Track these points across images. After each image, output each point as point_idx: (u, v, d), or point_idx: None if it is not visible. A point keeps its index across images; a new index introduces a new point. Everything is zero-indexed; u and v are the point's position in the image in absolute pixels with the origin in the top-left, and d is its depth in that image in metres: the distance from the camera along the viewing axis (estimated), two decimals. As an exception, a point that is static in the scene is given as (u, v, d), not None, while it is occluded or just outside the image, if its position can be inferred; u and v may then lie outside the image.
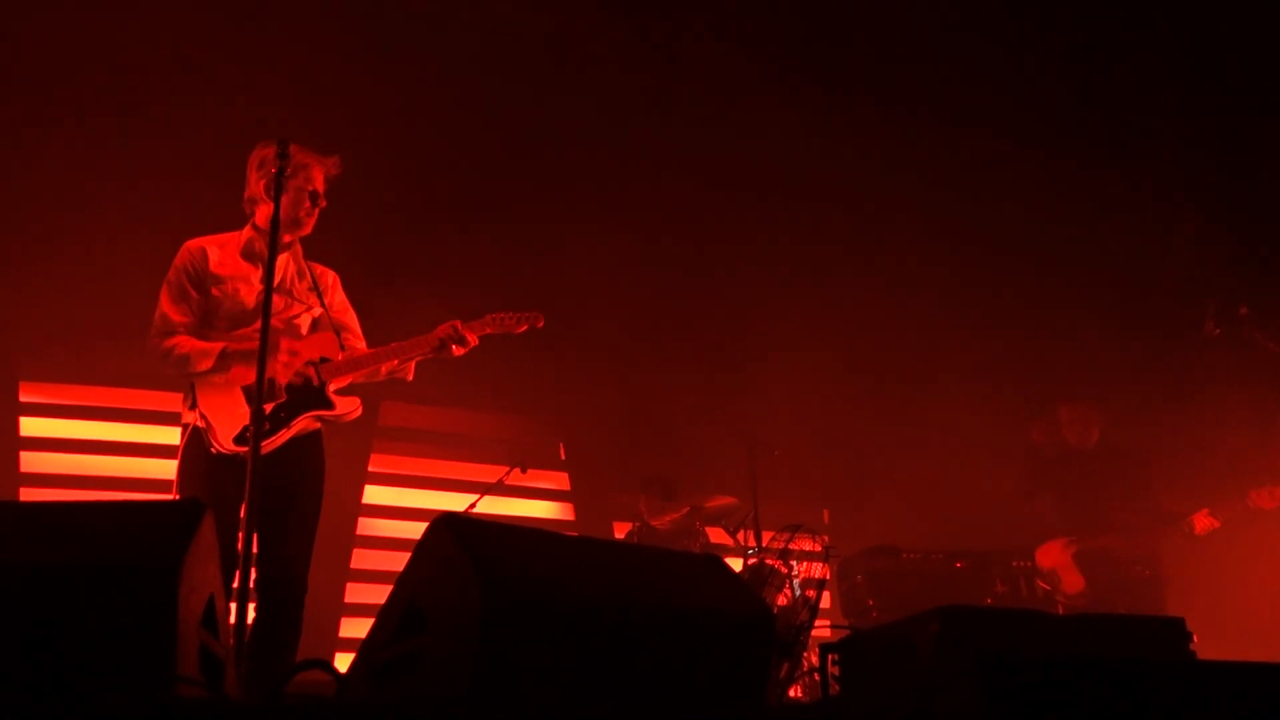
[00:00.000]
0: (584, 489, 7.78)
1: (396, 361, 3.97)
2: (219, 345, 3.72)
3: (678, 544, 6.29)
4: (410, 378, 4.10)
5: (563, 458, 7.86)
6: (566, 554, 2.51)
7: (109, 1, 5.76)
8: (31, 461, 6.33)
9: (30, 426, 6.41)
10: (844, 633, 2.87)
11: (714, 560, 2.79)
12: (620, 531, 7.26)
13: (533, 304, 4.22)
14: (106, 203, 5.93)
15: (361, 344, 4.07)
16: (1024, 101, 7.12)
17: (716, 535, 6.69)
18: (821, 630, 5.00)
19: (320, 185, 3.88)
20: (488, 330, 4.01)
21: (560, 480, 7.81)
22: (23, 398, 6.44)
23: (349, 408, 3.85)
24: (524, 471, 6.51)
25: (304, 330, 3.93)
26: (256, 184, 3.86)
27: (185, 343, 3.75)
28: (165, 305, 3.81)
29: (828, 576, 4.95)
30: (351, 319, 4.12)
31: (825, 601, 4.95)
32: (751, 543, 6.00)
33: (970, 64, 6.94)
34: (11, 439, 6.34)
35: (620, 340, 7.58)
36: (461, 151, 6.82)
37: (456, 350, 3.93)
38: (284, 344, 3.76)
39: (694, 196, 7.35)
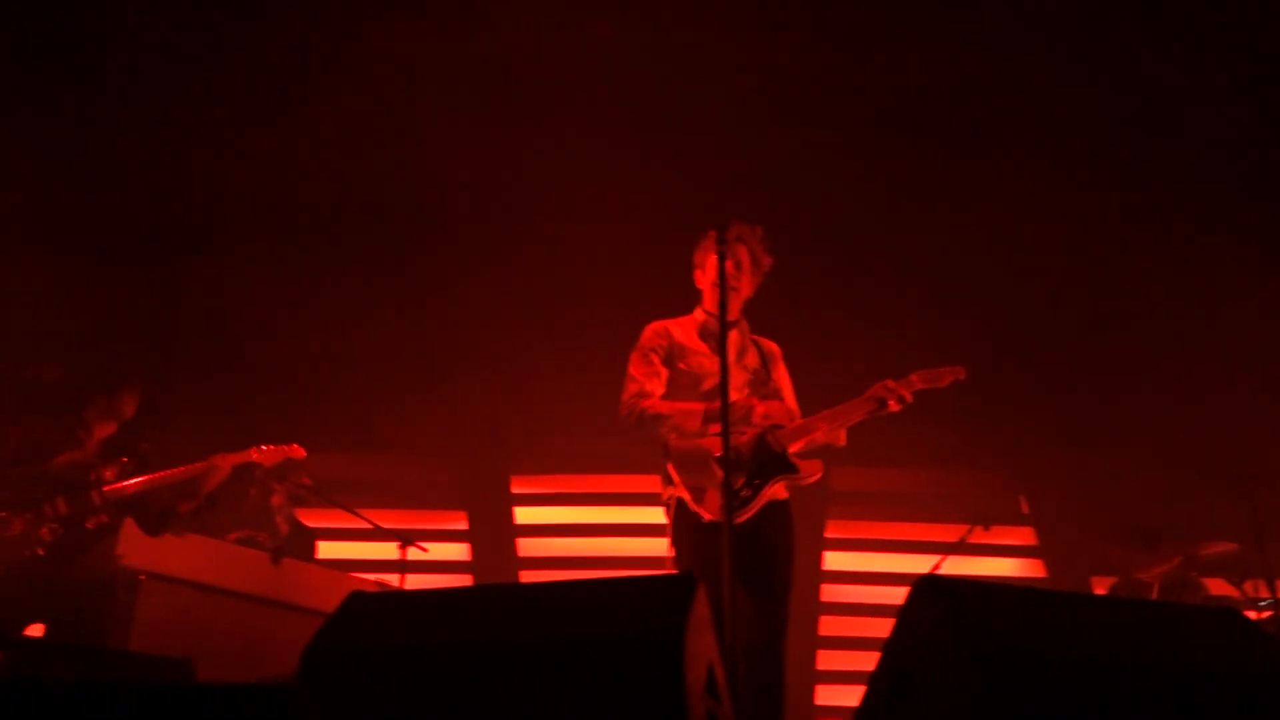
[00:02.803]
0: (1053, 543, 7.30)
1: (838, 425, 4.05)
2: (700, 406, 3.93)
3: (1172, 599, 5.70)
4: (843, 442, 4.14)
5: (1025, 511, 7.45)
6: (1060, 612, 2.35)
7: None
8: (527, 547, 7.08)
9: (523, 515, 7.17)
10: None
11: (1232, 614, 2.49)
12: (1100, 588, 6.74)
13: (981, 352, 4.12)
14: (575, 308, 6.56)
15: (797, 415, 4.19)
16: None
17: (1218, 587, 5.99)
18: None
19: (744, 257, 4.05)
20: (918, 386, 4.06)
21: (1025, 535, 7.39)
22: (514, 489, 7.23)
23: (812, 470, 3.96)
24: (986, 529, 6.22)
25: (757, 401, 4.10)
26: (699, 271, 4.18)
27: (663, 404, 3.99)
28: (636, 373, 4.08)
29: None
30: (789, 390, 4.25)
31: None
32: (1264, 594, 5.31)
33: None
34: (507, 527, 7.12)
35: (1075, 378, 7.08)
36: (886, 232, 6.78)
37: (894, 407, 4.00)
38: (757, 414, 3.95)
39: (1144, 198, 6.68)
